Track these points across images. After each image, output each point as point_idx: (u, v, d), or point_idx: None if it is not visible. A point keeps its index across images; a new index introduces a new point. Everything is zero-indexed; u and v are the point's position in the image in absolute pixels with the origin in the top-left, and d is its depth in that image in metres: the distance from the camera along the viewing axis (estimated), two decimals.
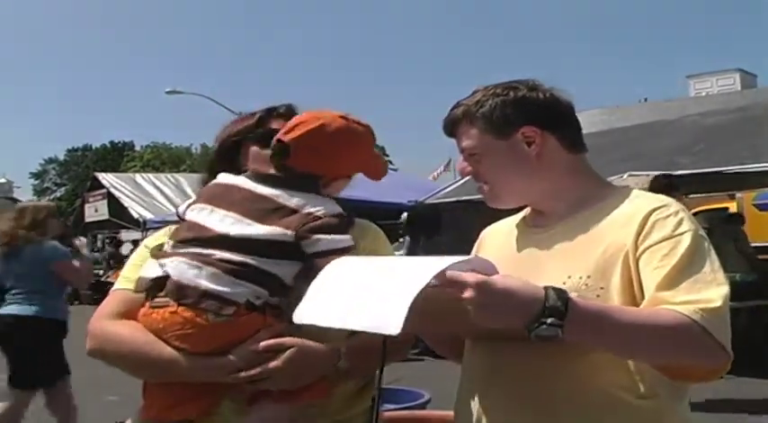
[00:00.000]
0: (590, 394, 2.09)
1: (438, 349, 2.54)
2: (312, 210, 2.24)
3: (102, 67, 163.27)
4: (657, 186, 7.38)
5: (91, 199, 34.87)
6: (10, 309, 7.03)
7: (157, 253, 2.35)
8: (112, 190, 32.34)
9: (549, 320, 1.82)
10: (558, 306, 1.84)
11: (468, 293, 1.82)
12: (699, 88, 61.84)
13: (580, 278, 2.11)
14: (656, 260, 2.05)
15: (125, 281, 2.49)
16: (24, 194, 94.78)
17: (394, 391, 4.23)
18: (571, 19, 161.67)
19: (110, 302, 2.49)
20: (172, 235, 2.39)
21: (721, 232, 11.71)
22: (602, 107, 56.42)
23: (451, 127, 2.38)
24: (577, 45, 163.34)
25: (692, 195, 15.32)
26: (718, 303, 1.96)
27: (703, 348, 1.94)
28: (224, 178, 2.41)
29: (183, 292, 2.20)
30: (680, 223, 2.11)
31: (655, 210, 2.15)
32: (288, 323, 2.19)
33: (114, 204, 31.96)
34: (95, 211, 33.79)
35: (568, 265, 2.16)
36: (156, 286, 2.26)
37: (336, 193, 2.41)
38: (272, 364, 2.18)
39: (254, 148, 2.53)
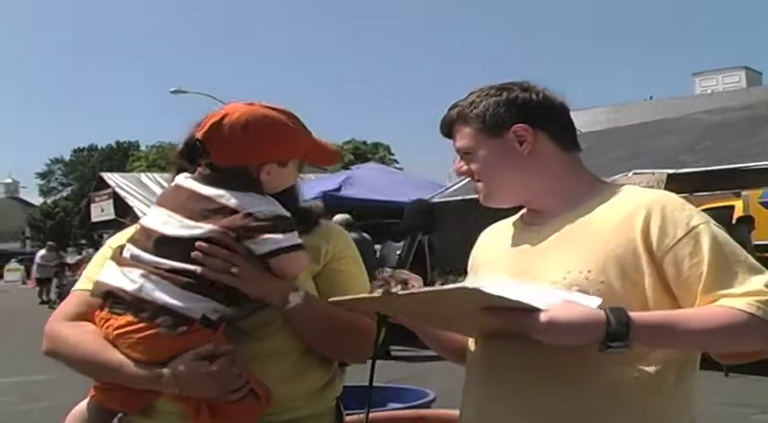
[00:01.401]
0: (591, 391, 2.11)
1: (436, 349, 2.56)
2: (252, 210, 2.24)
3: (108, 67, 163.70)
4: None
5: (97, 199, 34.90)
6: None
7: (117, 257, 2.36)
8: (118, 190, 32.31)
9: (614, 344, 1.95)
10: (619, 329, 1.94)
11: (536, 333, 1.95)
12: (704, 86, 61.82)
13: (580, 273, 2.15)
14: (686, 260, 2.09)
15: (87, 281, 2.50)
16: (30, 195, 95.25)
17: (399, 389, 4.24)
18: (578, 18, 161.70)
19: (69, 303, 2.52)
20: (130, 238, 2.39)
21: (729, 232, 11.71)
22: (608, 105, 56.44)
23: (447, 127, 2.43)
24: (583, 44, 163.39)
25: (697, 193, 15.33)
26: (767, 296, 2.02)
27: (764, 337, 2.03)
28: (178, 179, 2.41)
29: (140, 306, 2.23)
30: (690, 216, 2.15)
31: (656, 203, 2.18)
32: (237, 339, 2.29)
33: (120, 204, 31.98)
34: (101, 211, 33.81)
35: (567, 261, 2.19)
36: (113, 294, 2.29)
37: (282, 186, 2.38)
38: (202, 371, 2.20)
39: None
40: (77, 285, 2.55)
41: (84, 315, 2.40)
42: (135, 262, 2.29)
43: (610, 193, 2.29)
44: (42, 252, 32.16)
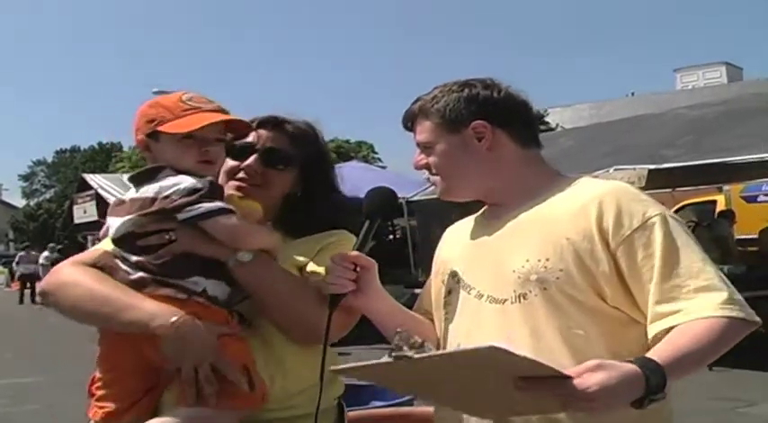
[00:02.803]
0: None
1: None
2: (167, 193, 2.33)
3: (89, 67, 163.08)
4: None
5: (79, 200, 34.81)
6: None
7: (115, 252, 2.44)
8: (101, 191, 32.26)
9: (657, 396, 1.91)
10: (658, 381, 1.91)
11: (582, 402, 1.87)
12: (685, 81, 62.23)
13: (539, 261, 2.18)
14: (639, 251, 2.12)
15: (107, 241, 2.55)
16: (13, 197, 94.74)
17: (382, 387, 4.23)
18: (559, 16, 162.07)
19: (87, 253, 2.58)
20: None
21: (710, 227, 11.79)
22: (591, 101, 56.70)
23: (409, 121, 2.47)
24: (566, 41, 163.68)
25: (679, 188, 15.39)
26: (725, 292, 2.07)
27: (745, 331, 2.07)
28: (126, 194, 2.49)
29: (142, 281, 2.32)
30: (646, 207, 2.18)
31: (611, 193, 2.21)
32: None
33: (103, 205, 31.88)
34: (84, 212, 33.74)
35: (526, 250, 2.23)
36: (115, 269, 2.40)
37: (172, 159, 2.41)
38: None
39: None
40: (100, 244, 2.61)
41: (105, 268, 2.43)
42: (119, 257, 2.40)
43: (567, 186, 2.32)
44: (22, 253, 32.58)
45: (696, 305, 2.05)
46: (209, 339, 2.23)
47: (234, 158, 2.59)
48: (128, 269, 2.35)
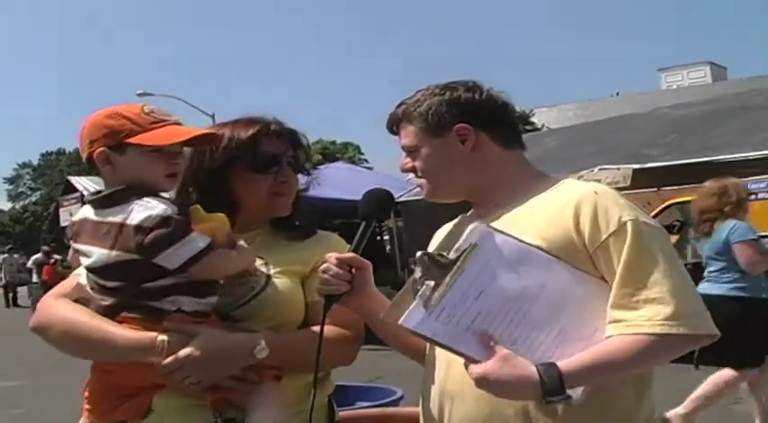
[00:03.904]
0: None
1: (394, 346, 2.59)
2: (134, 223, 2.25)
3: (74, 69, 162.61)
4: None
5: (65, 203, 34.63)
6: (704, 287, 6.79)
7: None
8: (86, 193, 32.14)
9: (555, 399, 2.02)
10: (554, 386, 2.01)
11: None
12: (670, 81, 62.43)
13: None
14: (614, 256, 2.11)
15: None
16: None
17: (368, 388, 4.24)
18: (544, 16, 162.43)
19: (67, 284, 2.56)
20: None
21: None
22: (576, 102, 56.89)
23: (393, 125, 2.48)
24: (550, 41, 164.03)
25: (664, 187, 15.44)
26: (671, 307, 2.04)
27: (688, 346, 2.08)
28: (81, 212, 2.42)
29: (114, 308, 2.31)
30: (622, 211, 2.16)
31: (588, 196, 2.20)
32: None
33: None
34: (70, 214, 33.44)
35: None
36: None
37: (138, 173, 2.35)
38: (182, 351, 2.23)
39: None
40: (78, 271, 2.58)
41: (79, 299, 2.43)
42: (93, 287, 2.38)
43: (549, 186, 2.33)
44: (5, 256, 32.55)
45: (638, 317, 2.05)
46: (217, 349, 2.26)
47: (257, 171, 2.57)
48: (102, 296, 2.34)
